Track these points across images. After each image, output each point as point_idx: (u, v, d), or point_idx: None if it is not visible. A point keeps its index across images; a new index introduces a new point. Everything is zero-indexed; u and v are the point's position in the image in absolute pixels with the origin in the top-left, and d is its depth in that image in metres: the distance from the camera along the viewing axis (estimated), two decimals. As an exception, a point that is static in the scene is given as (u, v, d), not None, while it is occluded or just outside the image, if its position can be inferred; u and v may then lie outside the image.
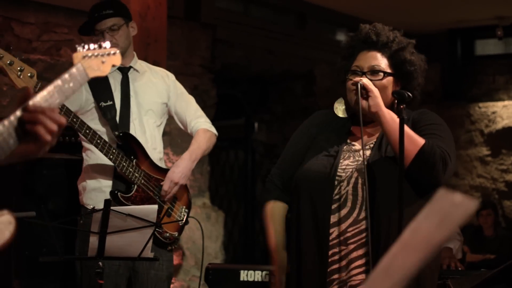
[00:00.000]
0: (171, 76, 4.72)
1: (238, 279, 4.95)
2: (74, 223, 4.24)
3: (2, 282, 4.36)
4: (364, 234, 3.20)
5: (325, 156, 3.31)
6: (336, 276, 3.22)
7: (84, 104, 4.37)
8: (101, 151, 4.18)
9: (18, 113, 2.00)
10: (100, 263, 3.75)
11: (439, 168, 3.17)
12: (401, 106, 3.11)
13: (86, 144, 4.40)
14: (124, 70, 4.49)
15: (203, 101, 7.25)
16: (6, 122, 1.99)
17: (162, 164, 4.55)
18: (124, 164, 4.26)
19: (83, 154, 4.46)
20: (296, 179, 3.33)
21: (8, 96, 5.80)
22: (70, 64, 5.63)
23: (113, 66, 2.30)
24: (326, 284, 3.21)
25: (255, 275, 4.94)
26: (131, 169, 4.29)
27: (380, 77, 3.30)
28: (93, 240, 3.73)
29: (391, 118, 3.19)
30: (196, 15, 7.17)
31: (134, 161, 4.33)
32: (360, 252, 3.21)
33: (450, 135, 3.33)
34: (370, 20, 8.96)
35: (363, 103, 3.21)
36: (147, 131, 4.47)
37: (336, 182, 3.23)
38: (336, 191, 3.23)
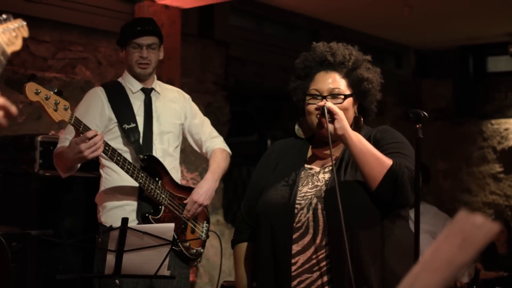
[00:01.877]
0: (188, 97, 4.78)
1: (253, 297, 4.97)
2: (91, 241, 4.28)
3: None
4: (328, 260, 3.15)
5: (284, 186, 3.25)
6: None
7: (107, 123, 4.42)
8: (131, 176, 4.24)
9: None
10: (117, 281, 3.77)
11: (408, 188, 3.13)
12: (417, 126, 3.12)
13: (105, 162, 4.44)
14: (146, 91, 4.55)
15: (216, 118, 7.28)
16: None
17: (180, 183, 4.61)
18: (152, 186, 4.31)
19: (101, 171, 4.49)
20: (257, 212, 3.26)
21: (24, 113, 5.84)
22: (86, 82, 5.69)
23: (24, 37, 2.24)
24: None
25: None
26: (158, 191, 4.34)
27: (341, 101, 3.24)
28: (110, 258, 3.75)
29: (357, 139, 3.14)
30: (210, 33, 7.22)
31: (160, 182, 4.38)
32: (325, 279, 3.17)
33: (413, 154, 3.23)
34: (383, 37, 8.99)
35: (330, 126, 3.13)
36: (168, 152, 4.52)
37: (296, 211, 3.17)
38: (296, 219, 3.17)
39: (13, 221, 4.63)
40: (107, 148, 4.12)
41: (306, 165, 3.31)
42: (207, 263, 6.96)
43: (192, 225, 4.56)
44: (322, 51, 3.29)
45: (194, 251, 4.55)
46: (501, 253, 7.96)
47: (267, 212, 3.21)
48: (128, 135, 4.39)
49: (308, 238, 3.17)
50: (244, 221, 3.41)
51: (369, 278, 3.14)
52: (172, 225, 3.86)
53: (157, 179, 4.39)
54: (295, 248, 3.16)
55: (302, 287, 3.16)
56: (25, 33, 2.23)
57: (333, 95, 3.25)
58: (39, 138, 4.90)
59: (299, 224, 3.17)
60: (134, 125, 4.42)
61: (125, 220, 3.71)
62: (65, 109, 3.86)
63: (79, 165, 4.27)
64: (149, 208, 4.38)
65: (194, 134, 4.73)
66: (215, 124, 7.23)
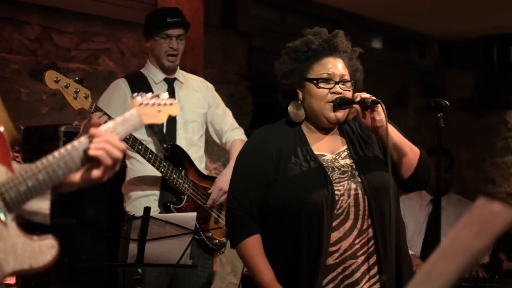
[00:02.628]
0: (211, 86, 4.79)
1: (274, 286, 4.97)
2: (115, 230, 4.30)
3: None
4: (372, 243, 3.20)
5: (308, 175, 3.22)
6: None
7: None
8: (153, 165, 4.26)
9: (83, 139, 2.10)
10: (139, 270, 3.80)
11: (431, 173, 3.34)
12: (438, 115, 3.13)
13: (130, 153, 4.46)
14: (169, 81, 4.56)
15: (239, 109, 7.29)
16: (69, 146, 2.09)
17: (205, 172, 4.61)
18: (174, 176, 4.33)
19: (127, 162, 4.52)
20: (284, 204, 3.19)
21: (47, 104, 5.88)
22: (109, 73, 5.73)
23: (170, 116, 2.37)
24: None
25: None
26: (180, 180, 4.36)
27: (350, 87, 3.30)
28: (133, 247, 3.78)
29: (393, 131, 3.23)
30: (232, 23, 7.22)
31: (183, 172, 4.40)
32: (371, 261, 3.20)
33: None
34: (406, 27, 8.94)
35: (370, 118, 3.19)
36: (192, 141, 4.53)
37: (336, 197, 3.19)
38: (337, 206, 3.18)
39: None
40: (128, 137, 4.14)
41: (316, 152, 3.30)
42: (229, 253, 6.94)
43: (216, 215, 4.56)
44: (331, 37, 3.30)
45: (217, 241, 4.55)
46: (525, 244, 7.91)
47: (304, 202, 3.15)
48: (152, 125, 4.41)
49: (349, 224, 3.19)
50: (246, 214, 3.29)
51: (405, 256, 3.25)
52: (194, 214, 3.88)
53: (180, 168, 4.40)
54: (336, 235, 3.18)
55: (348, 273, 3.18)
56: (173, 111, 2.37)
57: (344, 81, 3.27)
58: (62, 129, 4.93)
59: (339, 211, 3.19)
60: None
61: (147, 209, 3.74)
62: (85, 97, 3.88)
63: None
64: (171, 197, 4.39)
65: (215, 124, 4.74)
66: (237, 115, 7.26)
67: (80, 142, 2.09)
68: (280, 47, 8.19)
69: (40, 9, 5.92)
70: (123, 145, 2.14)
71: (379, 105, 3.15)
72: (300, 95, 3.32)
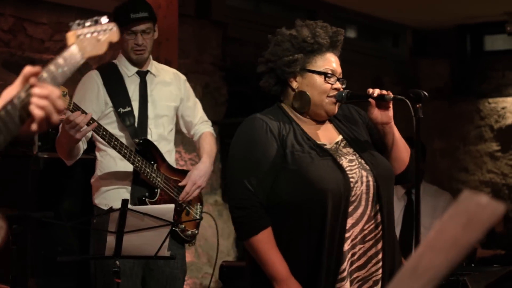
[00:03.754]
0: (183, 78, 4.77)
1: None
2: (89, 223, 4.29)
3: (19, 281, 4.40)
4: (379, 228, 3.28)
5: (321, 161, 3.25)
6: (356, 274, 3.25)
7: (103, 108, 4.42)
8: (128, 160, 4.25)
9: (22, 94, 1.95)
10: (117, 262, 3.79)
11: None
12: (418, 105, 3.17)
13: (100, 146, 4.44)
14: (141, 74, 4.54)
15: (214, 99, 7.28)
16: (8, 106, 1.94)
17: (175, 165, 4.62)
18: (148, 170, 4.33)
19: (97, 154, 4.51)
20: (298, 192, 3.20)
21: None
22: (83, 64, 5.68)
23: (111, 42, 2.18)
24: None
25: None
26: (154, 174, 4.36)
27: (344, 85, 3.40)
28: (110, 240, 3.77)
29: (395, 127, 3.39)
30: (207, 13, 7.19)
31: (155, 165, 4.40)
32: (379, 246, 3.26)
33: None
34: (380, 17, 8.97)
35: (378, 112, 3.32)
36: (162, 135, 4.52)
37: (351, 184, 3.25)
38: (352, 193, 3.24)
39: (13, 203, 4.64)
40: (104, 133, 4.14)
41: (318, 141, 3.35)
42: (205, 244, 6.97)
43: (187, 207, 4.57)
44: (335, 33, 3.35)
45: (189, 232, 4.56)
46: (498, 232, 7.97)
47: (324, 189, 3.17)
48: (124, 119, 4.39)
49: (360, 210, 3.26)
50: (261, 204, 3.26)
51: (404, 242, 3.38)
52: (172, 206, 3.88)
53: (152, 162, 4.40)
54: (349, 221, 3.23)
55: (355, 259, 3.24)
56: (114, 37, 2.17)
57: (342, 79, 3.39)
58: (37, 120, 4.89)
59: (354, 198, 3.25)
60: (129, 109, 4.42)
61: (125, 202, 3.73)
62: (64, 95, 3.86)
63: (81, 151, 4.28)
64: (143, 191, 4.39)
65: (185, 116, 4.73)
66: (212, 105, 7.26)
67: (19, 99, 1.94)
68: (255, 37, 8.20)
69: (14, 0, 5.86)
70: (62, 103, 2.00)
71: (391, 102, 3.30)
72: (295, 85, 3.34)
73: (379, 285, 3.28)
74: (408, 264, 1.42)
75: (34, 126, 1.96)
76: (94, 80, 4.48)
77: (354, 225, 3.24)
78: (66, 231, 3.52)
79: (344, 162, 3.29)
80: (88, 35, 2.11)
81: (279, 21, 8.06)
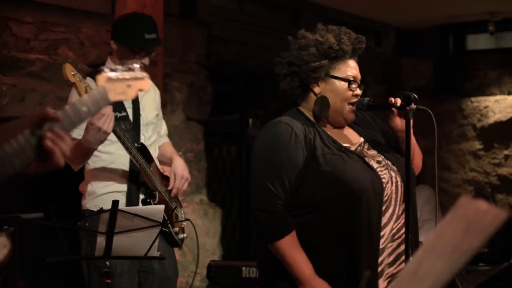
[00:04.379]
0: (157, 90, 4.83)
1: (240, 276, 5.02)
2: (78, 224, 4.30)
3: (7, 281, 4.41)
4: (404, 229, 3.33)
5: (352, 162, 3.32)
6: (387, 271, 3.32)
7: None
8: (136, 163, 4.26)
9: (38, 132, 1.99)
10: (107, 263, 3.80)
11: None
12: (408, 108, 3.21)
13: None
14: None
15: (199, 98, 7.29)
16: (21, 139, 1.98)
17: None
18: (148, 171, 4.35)
19: (88, 161, 4.49)
20: (345, 190, 3.24)
21: (7, 96, 5.82)
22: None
23: (140, 90, 2.24)
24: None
25: (256, 272, 5.00)
26: (153, 177, 4.38)
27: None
28: (101, 240, 3.78)
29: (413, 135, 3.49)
30: (192, 13, 7.19)
31: (151, 169, 4.42)
32: (402, 247, 3.33)
33: None
34: (363, 16, 8.99)
35: (399, 120, 3.45)
36: (151, 141, 4.55)
37: (384, 185, 3.30)
38: (385, 193, 3.32)
39: (2, 204, 4.64)
40: (117, 128, 4.14)
41: (343, 144, 3.41)
42: (191, 243, 6.97)
43: (176, 212, 4.60)
44: (358, 40, 3.40)
45: (181, 236, 4.60)
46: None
47: (361, 190, 3.23)
48: (120, 123, 4.40)
49: (391, 209, 3.34)
50: (286, 207, 3.29)
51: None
52: (162, 206, 3.89)
53: (149, 166, 4.43)
54: (382, 221, 3.31)
55: (386, 256, 3.31)
56: (144, 86, 2.22)
57: (361, 85, 3.47)
58: (24, 120, 4.89)
59: (385, 197, 3.32)
60: (125, 114, 4.43)
61: (115, 203, 3.73)
62: (80, 81, 3.93)
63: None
64: (143, 194, 4.41)
65: (157, 125, 4.75)
66: (197, 104, 7.27)
67: (32, 135, 2.00)
68: (239, 36, 8.20)
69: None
70: (68, 151, 2.04)
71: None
72: (317, 90, 3.38)
73: None
74: (408, 267, 1.45)
75: (38, 167, 2.04)
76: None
77: (386, 224, 3.31)
78: (55, 231, 3.53)
79: (373, 163, 3.36)
80: (119, 80, 2.15)
81: (264, 21, 8.15)
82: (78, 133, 4.19)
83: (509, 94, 9.28)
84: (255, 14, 8.13)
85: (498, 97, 9.34)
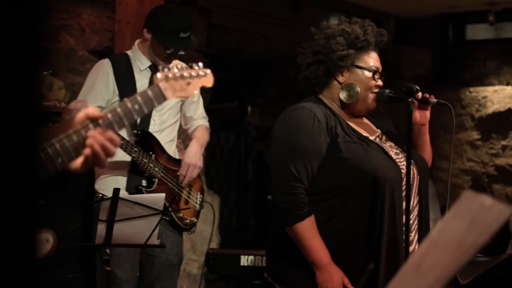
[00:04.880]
0: None
1: (238, 264, 5.03)
2: (86, 209, 4.33)
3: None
4: (418, 220, 3.41)
5: (373, 150, 3.37)
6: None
7: (111, 96, 4.46)
8: (125, 151, 4.29)
9: (84, 132, 2.02)
10: (107, 250, 3.82)
11: None
12: (409, 99, 3.23)
13: None
14: (153, 70, 4.56)
15: (198, 86, 7.29)
16: (65, 139, 2.02)
17: (177, 156, 4.67)
18: (145, 160, 4.37)
19: None
20: (367, 177, 3.28)
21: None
22: (70, 49, 5.67)
23: (203, 87, 2.26)
24: None
25: (256, 260, 5.02)
26: (151, 164, 4.40)
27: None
28: (101, 228, 3.80)
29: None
30: (192, 0, 7.19)
31: (153, 156, 4.43)
32: (416, 237, 3.37)
33: None
34: (363, 5, 8.99)
35: (419, 114, 3.53)
36: (165, 125, 4.56)
37: (402, 175, 3.33)
38: (402, 183, 3.35)
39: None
40: None
41: (363, 133, 3.46)
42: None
43: (185, 196, 4.62)
44: (380, 33, 3.45)
45: (188, 221, 4.63)
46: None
47: (383, 177, 3.28)
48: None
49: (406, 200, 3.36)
50: (307, 191, 3.32)
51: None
52: (163, 195, 3.91)
53: (150, 152, 4.44)
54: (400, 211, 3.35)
55: (404, 247, 3.33)
56: (208, 83, 2.26)
57: (381, 77, 3.53)
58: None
59: (403, 188, 3.35)
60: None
61: (116, 191, 3.75)
62: (59, 89, 3.92)
63: None
64: (140, 180, 4.43)
65: (187, 111, 4.80)
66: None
67: (77, 136, 2.03)
68: (239, 24, 8.17)
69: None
70: (114, 150, 2.08)
71: (430, 106, 3.53)
72: (342, 79, 3.41)
73: None
74: (410, 262, 1.46)
75: (81, 166, 2.06)
76: (104, 68, 4.52)
77: (403, 214, 3.34)
78: (58, 218, 3.55)
79: (392, 154, 3.40)
80: (177, 78, 2.17)
81: (264, 9, 8.13)
82: None
83: (507, 84, 9.28)
84: (255, 2, 8.12)
85: (496, 87, 9.35)
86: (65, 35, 6.20)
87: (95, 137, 2.02)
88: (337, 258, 3.30)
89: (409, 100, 3.26)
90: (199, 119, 4.85)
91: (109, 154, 2.05)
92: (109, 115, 2.06)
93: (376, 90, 3.48)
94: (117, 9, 6.23)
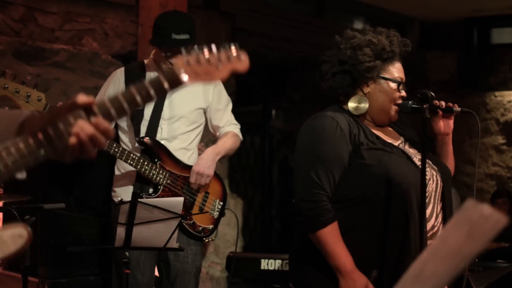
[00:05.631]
0: (218, 81, 4.78)
1: (258, 268, 5.05)
2: (104, 213, 4.36)
3: (29, 269, 4.47)
4: (441, 226, 3.38)
5: (397, 157, 3.37)
6: None
7: None
8: (120, 159, 4.32)
9: (72, 120, 1.88)
10: (127, 253, 3.85)
11: None
12: (424, 106, 3.23)
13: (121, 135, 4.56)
14: None
15: (222, 90, 7.32)
16: (50, 128, 1.88)
17: (190, 162, 4.64)
18: (146, 167, 4.38)
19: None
20: (388, 183, 3.28)
21: (31, 85, 5.88)
22: (93, 53, 5.72)
23: (235, 72, 2.04)
24: None
25: (276, 264, 5.04)
26: (154, 171, 4.41)
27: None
28: (120, 231, 3.83)
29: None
30: (216, 4, 7.22)
31: (158, 163, 4.43)
32: None
33: None
34: (388, 9, 8.96)
35: (444, 123, 3.56)
36: (177, 135, 4.55)
37: (426, 181, 3.32)
38: (427, 189, 3.34)
39: (28, 192, 4.68)
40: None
41: (388, 140, 3.47)
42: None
43: (200, 204, 4.60)
44: (404, 44, 3.45)
45: (201, 228, 4.60)
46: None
47: (408, 183, 3.27)
48: (132, 117, 4.46)
49: (430, 207, 3.38)
50: (329, 198, 3.32)
51: None
52: (182, 199, 3.93)
53: (156, 160, 4.45)
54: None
55: None
56: (240, 67, 2.03)
57: (404, 87, 3.51)
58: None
59: (427, 194, 3.34)
60: (141, 108, 4.47)
61: (135, 195, 3.79)
62: (39, 100, 3.95)
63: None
64: (147, 189, 4.44)
65: (213, 119, 4.76)
66: (220, 96, 7.29)
67: (65, 124, 1.88)
68: (262, 28, 8.19)
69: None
70: (104, 140, 1.92)
71: (453, 114, 3.56)
72: (367, 90, 3.43)
73: None
74: (412, 270, 1.47)
75: (67, 155, 1.92)
76: (117, 77, 4.58)
77: (427, 221, 3.33)
78: (76, 221, 3.59)
79: (416, 160, 3.39)
80: (203, 62, 1.98)
81: (287, 12, 8.15)
82: None
83: (533, 89, 9.24)
84: (279, 6, 8.14)
85: (522, 91, 9.31)
86: (88, 39, 6.25)
87: (83, 126, 1.88)
88: (361, 266, 3.29)
89: (424, 106, 3.25)
90: (226, 126, 4.81)
91: (98, 145, 1.90)
92: (107, 102, 1.92)
93: (400, 102, 3.46)
94: (140, 13, 6.28)
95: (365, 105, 3.43)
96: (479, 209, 1.40)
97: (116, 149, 4.29)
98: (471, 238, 1.37)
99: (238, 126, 4.89)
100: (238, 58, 2.03)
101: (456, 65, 9.60)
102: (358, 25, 9.06)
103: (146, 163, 4.38)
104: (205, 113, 4.71)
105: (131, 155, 4.34)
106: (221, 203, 4.73)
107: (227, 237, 7.25)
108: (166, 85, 1.94)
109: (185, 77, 1.94)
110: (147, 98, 1.92)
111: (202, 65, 1.96)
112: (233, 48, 2.03)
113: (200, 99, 4.66)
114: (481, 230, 1.36)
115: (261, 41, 7.98)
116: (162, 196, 4.43)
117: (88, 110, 1.91)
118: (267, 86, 9.25)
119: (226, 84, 7.43)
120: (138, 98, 1.92)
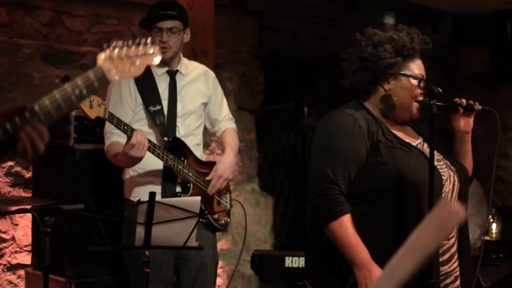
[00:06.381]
0: (212, 75, 4.85)
1: (283, 265, 5.07)
2: (120, 215, 4.41)
3: (56, 269, 4.55)
4: (458, 228, 3.31)
5: (414, 156, 3.37)
6: (441, 268, 3.32)
7: (135, 104, 4.53)
8: (162, 160, 4.37)
9: (9, 126, 1.96)
10: (147, 253, 3.89)
11: None
12: (431, 102, 3.23)
13: None
14: (171, 74, 4.63)
15: (250, 88, 7.34)
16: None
17: (203, 158, 4.73)
18: (180, 166, 4.45)
19: None
20: (409, 182, 3.28)
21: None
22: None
23: (150, 66, 2.16)
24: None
25: (300, 262, 5.05)
26: (185, 170, 4.48)
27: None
28: (140, 231, 3.87)
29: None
30: (243, 3, 7.25)
31: (185, 161, 4.50)
32: (456, 244, 3.36)
33: None
34: (419, 3, 8.91)
35: (465, 121, 3.55)
36: (189, 131, 4.62)
37: (443, 181, 3.34)
38: (443, 190, 3.36)
39: (48, 193, 4.76)
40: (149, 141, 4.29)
41: (406, 140, 3.48)
42: (242, 231, 7.06)
43: (217, 198, 4.68)
44: (424, 41, 3.47)
45: (223, 221, 4.69)
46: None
47: (424, 182, 3.25)
48: (154, 117, 4.50)
49: None
50: (342, 193, 3.31)
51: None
52: (199, 198, 3.97)
53: (182, 158, 4.51)
54: None
55: (440, 253, 3.27)
56: (152, 61, 2.12)
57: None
58: (73, 113, 5.00)
59: (443, 194, 3.35)
60: (159, 107, 4.53)
61: (152, 194, 3.82)
62: (99, 105, 4.01)
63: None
64: (173, 188, 4.50)
65: (211, 113, 4.83)
66: (249, 94, 7.33)
67: (12, 124, 1.97)
68: (291, 25, 8.20)
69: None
70: (42, 146, 2.01)
71: (474, 113, 3.55)
72: (388, 86, 3.44)
73: (458, 281, 3.36)
74: (388, 266, 1.49)
75: (11, 155, 2.00)
76: (126, 81, 4.59)
77: None
78: (101, 221, 3.64)
79: (434, 160, 3.36)
80: (122, 58, 2.08)
81: (315, 9, 8.14)
82: (110, 136, 4.35)
83: None
84: (307, 2, 8.13)
85: (556, 83, 9.20)
86: (116, 41, 6.30)
87: (26, 131, 1.96)
88: (376, 263, 3.25)
89: (431, 102, 3.24)
90: (224, 121, 4.89)
91: (37, 150, 2.00)
92: (47, 102, 2.00)
93: (421, 99, 3.46)
94: (166, 14, 6.32)
95: (392, 101, 3.43)
96: (449, 207, 1.42)
97: (158, 151, 4.36)
98: (438, 233, 1.38)
99: (234, 120, 5.01)
100: (152, 52, 2.13)
101: (489, 58, 9.51)
102: (389, 20, 9.02)
103: (178, 161, 4.46)
104: (205, 107, 4.79)
105: (169, 155, 4.41)
106: (230, 195, 4.83)
107: (258, 234, 7.27)
108: (96, 84, 2.03)
109: (113, 76, 2.04)
110: (80, 98, 2.01)
111: (123, 60, 2.07)
112: (148, 40, 2.13)
113: (203, 93, 4.74)
114: (448, 225, 1.37)
115: (289, 38, 7.99)
116: (193, 194, 4.50)
117: (22, 112, 1.97)
118: (297, 84, 9.26)
119: (254, 82, 7.47)
120: (75, 101, 2.01)
